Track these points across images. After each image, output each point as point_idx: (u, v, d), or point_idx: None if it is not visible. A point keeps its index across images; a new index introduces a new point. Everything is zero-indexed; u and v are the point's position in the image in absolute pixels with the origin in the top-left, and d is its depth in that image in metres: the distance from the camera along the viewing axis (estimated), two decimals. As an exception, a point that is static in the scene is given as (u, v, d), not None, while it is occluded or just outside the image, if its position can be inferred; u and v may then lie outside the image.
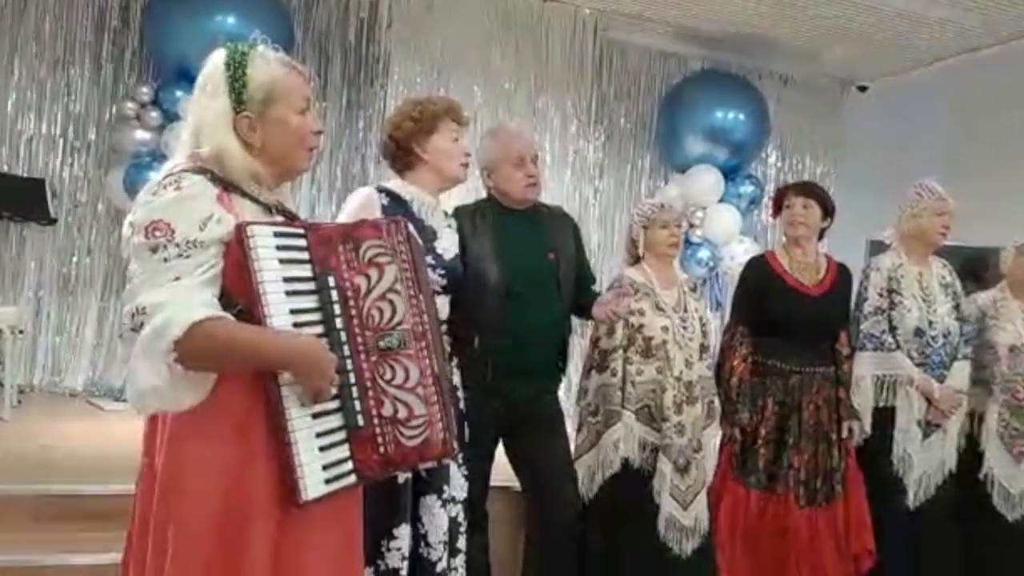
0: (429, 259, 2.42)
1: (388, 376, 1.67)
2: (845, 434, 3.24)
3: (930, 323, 3.38)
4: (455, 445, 1.80)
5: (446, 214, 2.61)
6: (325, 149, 5.32)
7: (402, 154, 2.51)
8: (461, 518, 2.48)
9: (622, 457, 2.97)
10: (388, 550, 2.31)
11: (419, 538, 2.36)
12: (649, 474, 2.98)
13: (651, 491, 2.96)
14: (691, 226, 5.34)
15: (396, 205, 2.42)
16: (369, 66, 5.37)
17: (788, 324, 3.24)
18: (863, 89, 6.15)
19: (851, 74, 6.09)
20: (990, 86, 5.55)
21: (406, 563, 2.33)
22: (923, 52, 5.54)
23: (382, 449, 1.66)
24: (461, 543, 2.48)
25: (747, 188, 5.56)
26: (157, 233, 1.53)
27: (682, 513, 2.97)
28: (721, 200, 5.50)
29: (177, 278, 1.52)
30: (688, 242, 5.34)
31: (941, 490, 3.34)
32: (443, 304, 2.49)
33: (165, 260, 1.52)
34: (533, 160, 2.83)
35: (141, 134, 4.82)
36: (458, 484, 2.48)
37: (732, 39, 5.52)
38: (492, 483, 2.88)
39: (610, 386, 3.01)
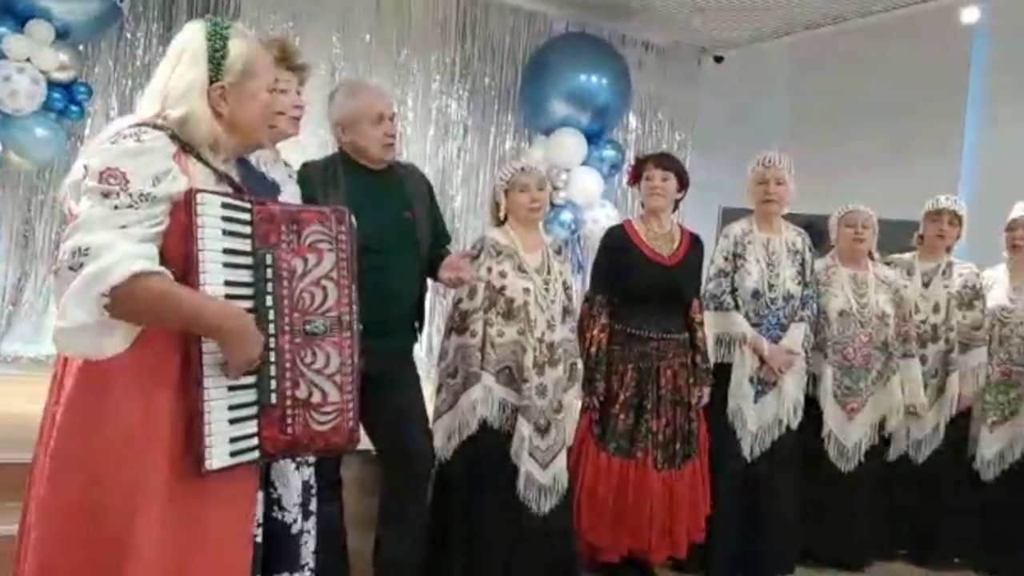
0: None
1: (309, 360, 1.70)
2: (696, 399, 3.38)
3: (771, 286, 3.54)
4: (358, 438, 1.80)
5: (287, 164, 2.50)
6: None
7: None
8: (313, 480, 2.42)
9: (480, 418, 2.98)
10: None
11: (272, 502, 2.29)
12: (508, 435, 3.00)
13: (510, 451, 2.99)
14: (555, 189, 5.37)
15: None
16: (219, 11, 5.04)
17: (645, 292, 3.32)
18: (719, 59, 6.33)
19: (708, 43, 6.24)
20: (830, 59, 5.84)
21: (260, 529, 2.26)
22: (774, 26, 5.75)
23: (289, 430, 1.67)
24: (314, 505, 2.43)
25: (609, 153, 5.64)
26: (111, 180, 1.55)
27: (541, 472, 3.01)
28: (584, 164, 5.56)
29: (124, 226, 1.53)
30: (551, 205, 5.38)
31: (777, 444, 3.53)
32: None
33: (115, 208, 1.54)
34: (391, 119, 2.75)
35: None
36: None
37: (596, 2, 5.56)
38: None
39: (470, 347, 3.00)
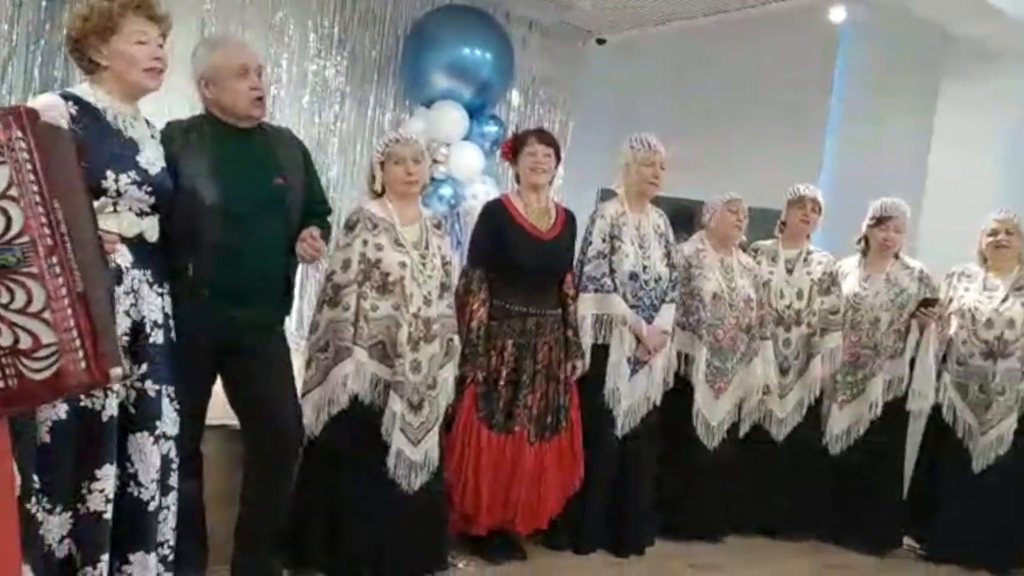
0: (134, 175, 2.20)
1: (4, 300, 1.45)
2: (569, 372, 3.42)
3: (644, 268, 3.63)
4: (115, 371, 1.58)
5: (149, 123, 2.36)
6: (20, 47, 4.59)
7: (78, 56, 2.23)
8: (173, 455, 2.33)
9: (351, 393, 2.92)
10: (90, 492, 2.13)
11: (129, 477, 2.19)
12: (380, 411, 2.95)
13: (380, 428, 2.94)
14: (435, 162, 5.31)
15: (86, 114, 2.16)
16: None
17: (525, 268, 3.32)
18: (601, 42, 6.39)
19: (592, 25, 6.30)
20: (707, 49, 6.01)
21: (110, 506, 2.14)
22: (656, 12, 5.85)
23: (2, 384, 1.46)
24: (173, 480, 2.34)
25: (491, 128, 5.62)
26: None
27: (412, 449, 2.98)
28: (465, 138, 5.51)
29: None
30: (431, 178, 5.31)
31: (645, 421, 3.64)
32: (152, 225, 2.28)
33: None
34: (258, 73, 2.61)
35: None
36: (170, 419, 2.32)
37: (481, -25, 5.51)
38: (208, 421, 2.71)
39: (342, 321, 2.92)
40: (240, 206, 2.51)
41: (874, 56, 5.17)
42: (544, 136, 3.48)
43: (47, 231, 1.46)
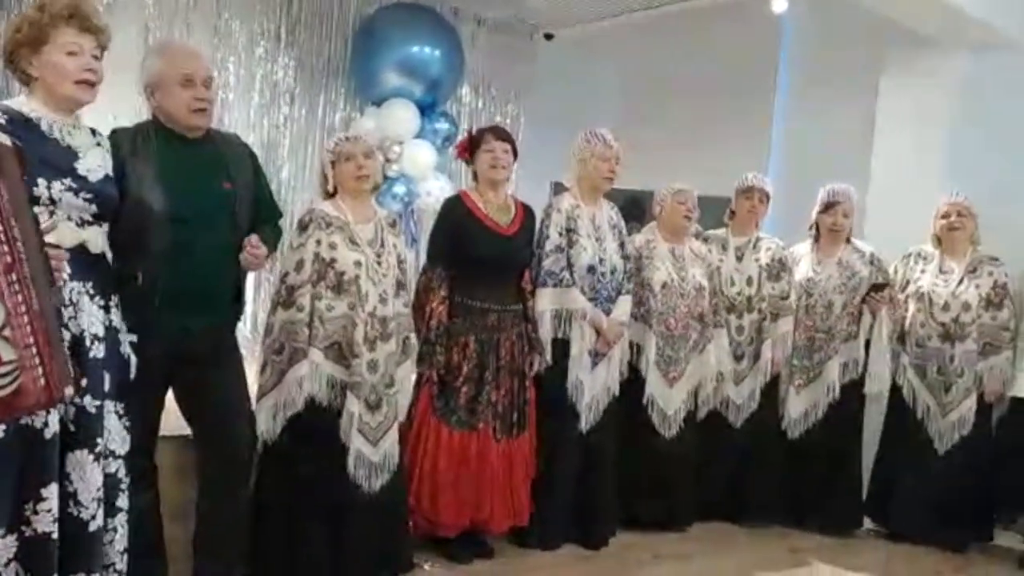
0: (69, 182, 2.13)
1: None
2: (528, 367, 3.41)
3: (600, 260, 3.64)
4: (68, 390, 1.58)
5: (94, 132, 2.31)
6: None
7: (12, 68, 2.18)
8: (122, 474, 2.25)
9: (308, 395, 2.88)
10: (36, 513, 2.04)
11: (68, 497, 2.10)
12: (337, 412, 2.92)
13: (338, 429, 2.91)
14: (387, 161, 5.27)
15: (20, 125, 2.09)
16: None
17: (486, 264, 3.31)
18: (549, 37, 6.41)
19: (541, 20, 6.31)
20: (654, 43, 6.06)
21: (57, 525, 2.08)
22: (602, 7, 5.88)
23: None
24: (122, 501, 2.26)
25: (443, 125, 5.60)
26: None
27: (371, 450, 2.95)
28: (417, 136, 5.48)
29: None
30: (384, 177, 5.27)
31: (607, 412, 3.65)
32: (97, 235, 2.21)
33: None
34: (205, 83, 2.57)
35: None
36: (118, 436, 2.25)
37: (427, -27, 5.49)
38: (161, 432, 2.66)
39: (297, 322, 2.88)
40: (188, 212, 2.48)
41: (816, 45, 5.26)
42: (500, 133, 3.48)
43: (5, 248, 1.45)
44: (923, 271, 4.14)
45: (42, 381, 1.48)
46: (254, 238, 2.61)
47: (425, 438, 3.24)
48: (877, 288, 4.09)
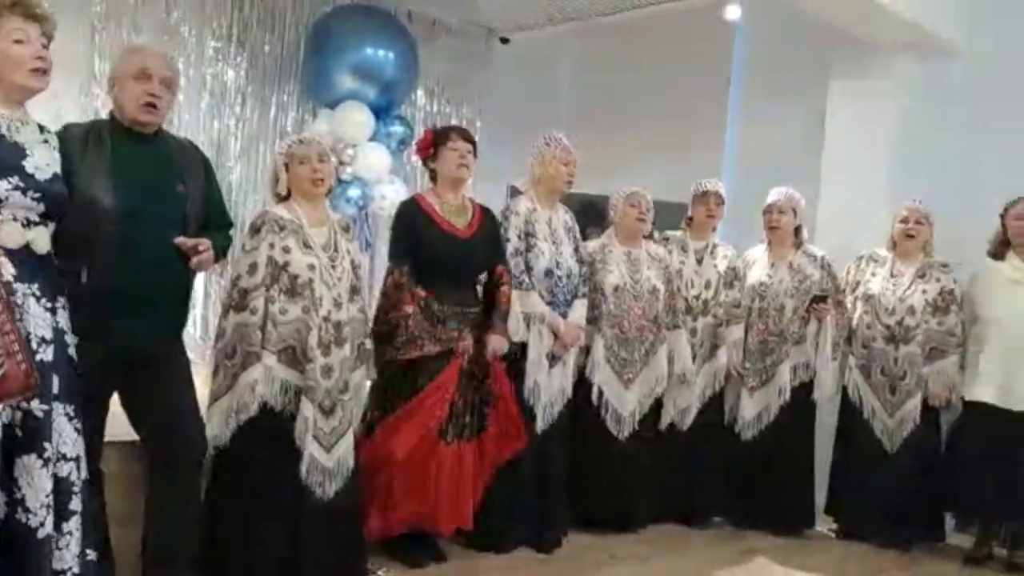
0: (17, 181, 2.08)
1: None
2: (490, 354, 3.35)
3: (558, 264, 3.66)
4: (37, 379, 1.55)
5: (42, 128, 2.25)
6: None
7: None
8: (75, 477, 2.19)
9: (261, 400, 2.83)
10: None
11: (15, 503, 2.05)
12: (291, 417, 2.88)
13: (292, 434, 2.87)
14: (341, 164, 5.21)
15: None
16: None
17: (445, 266, 3.29)
18: (505, 41, 6.40)
19: (496, 24, 6.30)
20: (609, 48, 6.10)
21: (3, 531, 2.01)
22: (558, 11, 5.90)
23: None
24: (75, 504, 2.19)
25: (397, 128, 5.55)
26: None
27: (325, 456, 2.91)
28: (372, 139, 5.43)
29: None
30: (338, 180, 5.21)
31: (561, 416, 3.66)
32: (41, 235, 2.15)
33: None
34: (163, 81, 2.55)
35: None
36: (69, 439, 2.18)
37: (382, -25, 5.44)
38: (107, 438, 2.60)
39: (250, 326, 2.83)
40: (139, 212, 2.44)
41: (768, 51, 5.33)
42: (465, 133, 3.48)
43: None
44: (874, 274, 4.22)
45: (23, 367, 1.50)
46: (204, 240, 2.57)
47: (383, 438, 3.20)
48: (819, 299, 4.15)
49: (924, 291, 4.08)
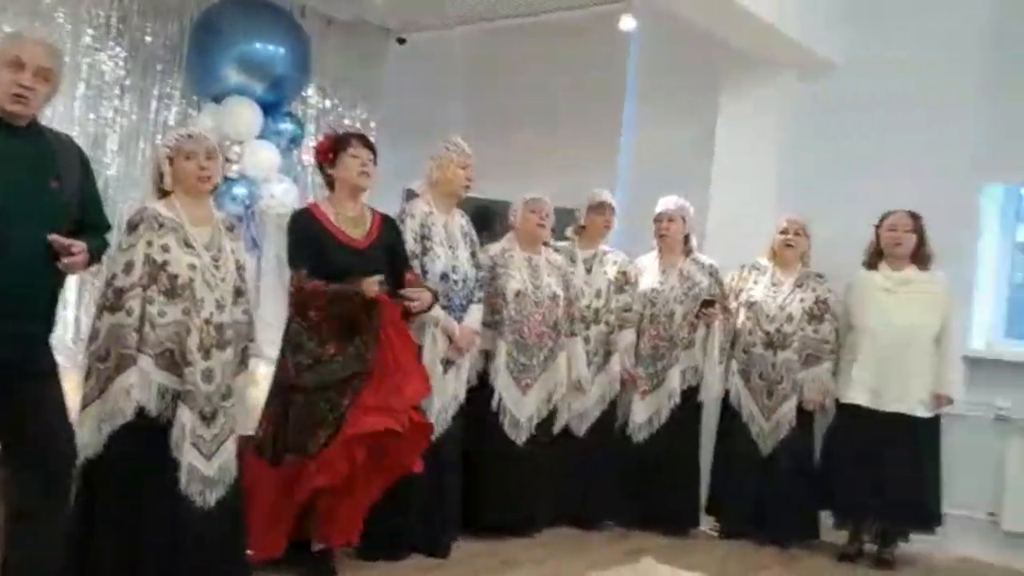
0: None
1: None
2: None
3: (453, 268, 3.63)
4: None
5: None
6: None
7: None
8: None
9: (136, 405, 2.68)
10: None
11: None
12: (169, 423, 2.73)
13: (170, 442, 2.72)
14: (227, 161, 5.02)
15: None
16: None
17: (342, 279, 3.17)
18: (402, 41, 6.33)
19: (393, 24, 6.22)
20: (506, 53, 6.11)
21: None
22: (454, 14, 5.87)
23: None
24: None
25: (287, 126, 5.40)
26: None
27: (205, 464, 2.77)
28: (260, 136, 5.26)
29: None
30: (224, 178, 5.02)
31: (455, 420, 3.63)
32: None
33: None
34: (37, 73, 2.39)
35: None
36: None
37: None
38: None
39: (125, 327, 2.67)
40: (7, 206, 2.29)
41: (662, 63, 5.43)
42: (366, 140, 3.41)
43: None
44: (756, 282, 4.37)
45: None
46: (79, 243, 2.42)
47: None
48: (707, 304, 4.27)
49: (802, 300, 4.25)
